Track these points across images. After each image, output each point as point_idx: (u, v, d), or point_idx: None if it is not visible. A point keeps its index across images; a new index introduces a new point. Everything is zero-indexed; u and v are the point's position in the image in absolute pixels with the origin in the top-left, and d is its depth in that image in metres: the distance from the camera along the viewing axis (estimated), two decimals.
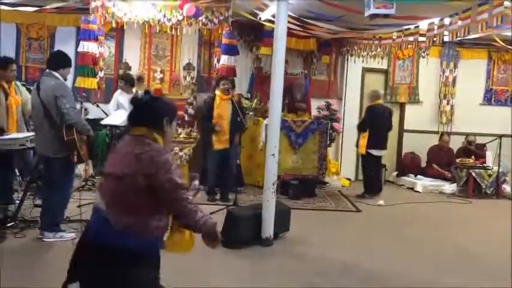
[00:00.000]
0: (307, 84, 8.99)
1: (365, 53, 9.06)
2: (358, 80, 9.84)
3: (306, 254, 4.96)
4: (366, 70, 9.80)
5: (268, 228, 5.03)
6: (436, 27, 6.45)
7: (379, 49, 8.78)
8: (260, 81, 9.11)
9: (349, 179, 9.40)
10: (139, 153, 2.18)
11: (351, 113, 9.65)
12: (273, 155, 5.07)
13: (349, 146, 9.37)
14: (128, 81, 7.57)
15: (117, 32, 8.73)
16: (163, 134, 2.32)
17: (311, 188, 7.86)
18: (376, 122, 7.99)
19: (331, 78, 9.70)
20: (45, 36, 8.82)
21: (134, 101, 2.37)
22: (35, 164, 5.38)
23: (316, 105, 8.95)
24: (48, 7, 7.96)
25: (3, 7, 7.94)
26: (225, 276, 4.22)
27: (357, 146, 8.29)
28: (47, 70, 4.80)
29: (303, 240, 5.40)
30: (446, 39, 6.76)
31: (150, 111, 2.32)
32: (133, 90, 7.62)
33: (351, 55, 9.44)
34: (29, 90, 5.55)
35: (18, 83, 5.67)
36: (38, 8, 8.04)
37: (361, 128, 8.15)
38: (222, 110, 6.90)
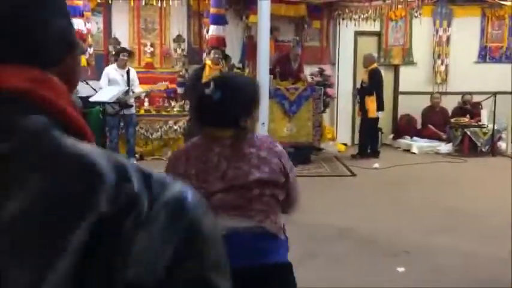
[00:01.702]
0: (300, 51, 8.91)
1: (357, 16, 8.95)
2: (351, 44, 9.74)
3: (300, 220, 4.98)
4: (358, 33, 9.70)
5: None
6: None
7: (370, 11, 8.70)
8: (251, 50, 8.97)
9: (345, 144, 9.43)
10: (278, 150, 1.86)
11: (344, 78, 9.60)
12: (263, 123, 5.07)
13: (344, 111, 9.36)
14: (129, 54, 7.57)
15: (104, 7, 8.61)
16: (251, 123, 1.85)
17: (306, 155, 7.90)
18: (381, 84, 8.17)
19: (323, 43, 9.60)
20: None
21: (204, 100, 1.77)
22: None
23: (309, 71, 8.90)
24: None
25: None
26: None
27: (362, 110, 8.34)
28: None
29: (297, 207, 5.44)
30: None
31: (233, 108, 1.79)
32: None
33: (343, 19, 9.31)
34: None
35: None
36: None
37: (368, 91, 8.19)
38: None
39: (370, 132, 8.49)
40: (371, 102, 8.19)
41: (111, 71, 7.35)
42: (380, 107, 8.29)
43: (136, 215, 0.55)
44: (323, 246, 4.29)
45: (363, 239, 4.49)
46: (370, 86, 8.22)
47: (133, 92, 7.31)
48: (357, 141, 9.03)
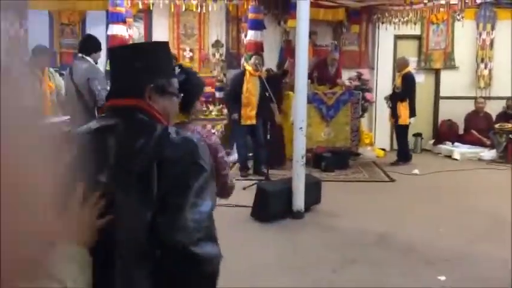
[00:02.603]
0: (338, 56, 8.85)
1: (397, 20, 8.83)
2: (390, 48, 9.61)
3: (339, 226, 4.98)
4: (398, 37, 9.55)
5: (298, 201, 5.07)
6: None
7: (411, 14, 8.56)
8: (289, 54, 9.02)
9: (383, 150, 9.28)
10: (211, 143, 2.24)
11: (383, 83, 9.46)
12: (301, 128, 5.06)
13: (383, 116, 9.23)
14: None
15: (145, 14, 8.82)
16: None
17: (344, 160, 7.82)
18: (414, 90, 7.99)
19: (361, 47, 9.51)
20: (76, 21, 9.01)
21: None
22: None
23: (347, 75, 8.83)
24: None
25: None
26: (256, 249, 4.30)
27: (394, 116, 8.19)
28: (79, 54, 4.94)
29: (335, 212, 5.41)
30: (479, 0, 6.51)
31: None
32: None
33: (382, 22, 9.21)
34: (62, 75, 5.73)
35: (51, 69, 5.85)
36: None
37: (401, 97, 8.02)
38: (252, 86, 6.92)
39: (400, 139, 8.31)
40: (403, 108, 8.00)
41: None
42: (412, 113, 8.06)
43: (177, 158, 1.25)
44: (362, 252, 4.23)
45: (402, 245, 4.40)
46: (403, 92, 8.04)
47: None
48: (395, 146, 8.87)
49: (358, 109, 8.01)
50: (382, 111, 9.14)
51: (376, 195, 6.28)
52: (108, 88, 4.94)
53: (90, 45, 4.99)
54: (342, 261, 4.00)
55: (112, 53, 1.51)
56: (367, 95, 8.53)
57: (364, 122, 8.94)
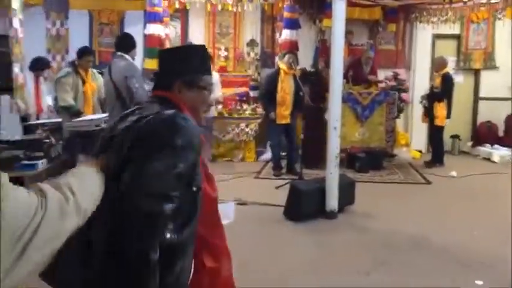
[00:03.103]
0: (373, 55, 8.74)
1: (435, 19, 8.67)
2: (428, 47, 9.43)
3: (373, 227, 4.92)
4: (436, 36, 9.37)
5: (332, 201, 5.04)
6: None
7: (450, 13, 8.39)
8: (324, 54, 8.98)
9: (420, 151, 9.12)
10: None
11: (420, 83, 9.28)
12: (335, 128, 5.03)
13: (419, 116, 9.04)
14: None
15: (182, 13, 8.93)
16: None
17: (378, 161, 7.72)
18: (452, 90, 7.83)
19: (398, 47, 9.36)
20: (115, 21, 9.21)
21: None
22: None
23: (383, 75, 8.71)
24: None
25: None
26: (288, 248, 4.31)
27: (429, 117, 8.03)
28: (118, 53, 5.05)
29: (369, 213, 5.35)
30: None
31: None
32: None
33: (420, 21, 9.05)
34: (101, 74, 5.87)
35: (94, 70, 6.00)
36: None
37: (439, 97, 7.87)
38: (286, 85, 6.92)
39: (436, 140, 8.15)
40: (440, 109, 7.84)
41: None
42: (448, 114, 7.91)
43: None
44: (396, 254, 4.17)
45: (437, 248, 4.32)
46: (441, 92, 7.87)
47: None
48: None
49: (393, 109, 7.89)
50: (418, 111, 8.97)
51: (411, 197, 6.17)
52: (145, 85, 5.01)
53: (126, 43, 5.09)
54: (375, 263, 3.96)
55: (158, 54, 1.84)
56: (403, 95, 8.40)
57: (400, 122, 8.81)
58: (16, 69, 6.67)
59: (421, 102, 8.35)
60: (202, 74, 1.70)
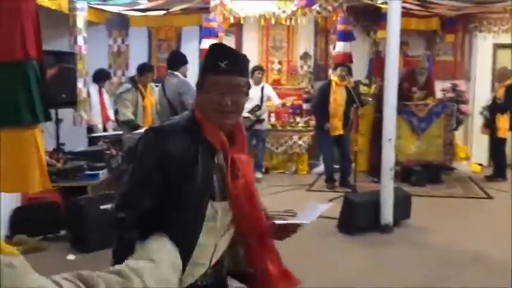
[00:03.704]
0: (430, 66, 8.54)
1: (496, 28, 8.37)
2: (489, 57, 9.07)
3: (430, 242, 4.78)
4: (497, 46, 9.00)
5: (386, 215, 4.94)
6: None
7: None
8: (379, 66, 8.82)
9: (480, 165, 8.76)
10: None
11: (481, 94, 8.93)
12: (390, 140, 4.95)
13: (480, 129, 8.71)
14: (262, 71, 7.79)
15: (236, 28, 9.11)
16: None
17: (436, 174, 7.49)
18: None
19: (457, 57, 9.08)
20: (172, 37, 9.51)
21: None
22: None
23: (440, 87, 8.48)
24: (174, 9, 8.57)
25: (135, 13, 8.75)
26: (341, 262, 4.25)
27: (491, 129, 7.74)
28: (168, 71, 5.23)
29: (427, 228, 5.19)
30: None
31: None
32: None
33: (480, 31, 8.76)
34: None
35: (153, 85, 6.24)
36: (166, 11, 8.70)
37: (502, 108, 7.57)
38: (338, 96, 6.89)
39: (497, 153, 7.82)
40: (503, 121, 7.54)
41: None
42: (511, 126, 7.60)
43: None
44: (456, 270, 4.02)
45: (499, 265, 4.13)
46: (504, 103, 7.55)
47: (268, 106, 7.56)
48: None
49: (452, 121, 7.64)
50: (479, 124, 8.65)
51: (471, 212, 5.94)
52: None
53: (176, 60, 5.26)
54: (434, 279, 3.84)
55: None
56: (463, 107, 8.12)
57: (459, 135, 8.51)
58: (80, 84, 7.04)
59: (481, 113, 8.06)
60: (207, 73, 1.61)
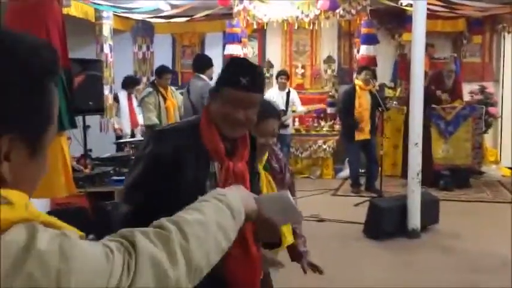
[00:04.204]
0: (458, 68, 8.38)
1: None
2: None
3: (459, 247, 4.68)
4: None
5: (414, 220, 4.85)
6: None
7: None
8: (404, 68, 8.73)
9: (510, 168, 8.54)
10: None
11: (510, 96, 8.74)
12: (416, 144, 4.87)
13: (509, 132, 8.52)
14: (287, 76, 7.72)
15: (259, 33, 9.13)
16: None
17: (464, 179, 7.34)
18: None
19: (485, 59, 8.91)
20: (196, 43, 9.59)
21: None
22: None
23: (468, 89, 8.32)
24: (198, 16, 8.65)
25: (160, 20, 8.86)
26: (368, 267, 4.20)
27: None
28: (195, 73, 5.28)
29: (455, 233, 5.09)
30: None
31: None
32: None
33: (508, 32, 8.57)
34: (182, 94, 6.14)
35: (172, 88, 6.30)
36: (189, 18, 8.79)
37: None
38: (363, 100, 6.83)
39: None
40: None
41: (273, 93, 7.32)
42: None
43: None
44: (486, 277, 3.93)
45: None
46: None
47: (293, 112, 7.54)
48: None
49: (480, 124, 7.48)
50: (509, 126, 8.46)
51: (501, 217, 5.78)
52: None
53: (201, 63, 5.31)
54: (463, 286, 3.75)
55: None
56: (491, 110, 7.95)
57: (488, 138, 8.33)
58: (106, 91, 7.15)
59: None
60: (226, 86, 1.60)
